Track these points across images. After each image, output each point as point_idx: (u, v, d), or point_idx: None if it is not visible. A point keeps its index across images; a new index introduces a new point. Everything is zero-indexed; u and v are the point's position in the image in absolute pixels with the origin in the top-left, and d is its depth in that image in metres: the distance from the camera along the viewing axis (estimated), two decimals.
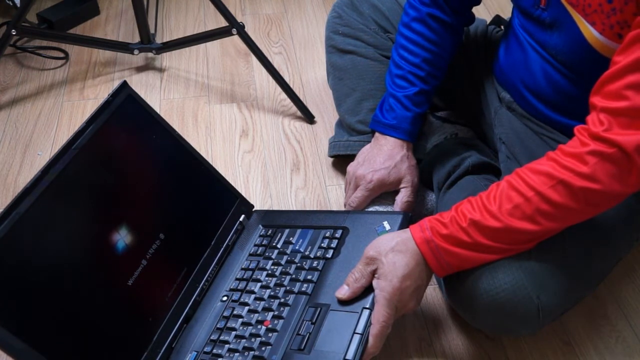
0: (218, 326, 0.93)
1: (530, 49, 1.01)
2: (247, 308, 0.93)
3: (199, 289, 0.97)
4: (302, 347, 0.86)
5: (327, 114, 1.48)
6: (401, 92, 1.12)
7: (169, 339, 0.91)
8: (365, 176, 1.10)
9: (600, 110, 0.80)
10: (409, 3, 1.13)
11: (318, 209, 1.26)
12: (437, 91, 1.18)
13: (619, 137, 0.77)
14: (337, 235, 1.00)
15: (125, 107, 0.94)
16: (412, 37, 1.12)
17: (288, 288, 0.94)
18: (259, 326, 0.90)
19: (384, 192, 1.12)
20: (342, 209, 1.20)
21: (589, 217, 0.85)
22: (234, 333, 0.91)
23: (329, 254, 0.97)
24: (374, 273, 0.89)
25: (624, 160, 0.78)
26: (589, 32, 0.88)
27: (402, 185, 1.11)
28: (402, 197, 1.11)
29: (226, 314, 0.94)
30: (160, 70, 1.63)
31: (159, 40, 1.68)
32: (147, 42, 1.56)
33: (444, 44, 1.13)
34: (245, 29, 1.44)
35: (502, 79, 1.12)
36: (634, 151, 0.77)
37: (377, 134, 1.14)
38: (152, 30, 1.61)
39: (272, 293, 0.94)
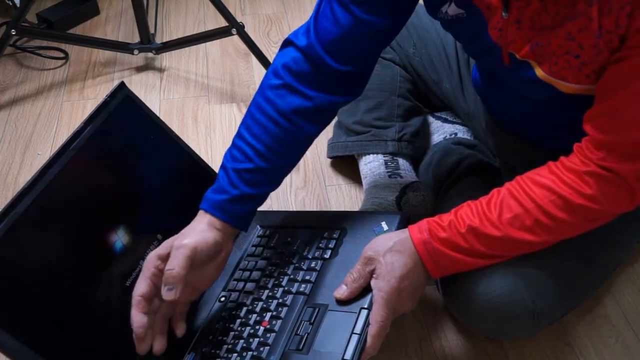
0: (216, 327, 0.92)
1: (507, 90, 0.97)
2: (245, 308, 0.93)
3: None
4: (301, 348, 0.86)
5: None
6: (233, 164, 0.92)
7: None
8: None
9: (594, 140, 0.79)
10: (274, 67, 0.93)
11: (318, 209, 1.26)
12: (436, 91, 1.18)
13: (616, 166, 0.78)
14: (335, 235, 0.99)
15: (123, 108, 0.94)
16: (261, 120, 0.92)
17: (286, 288, 0.94)
18: (257, 326, 0.90)
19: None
20: (342, 209, 1.20)
21: (585, 230, 0.85)
22: (232, 333, 0.91)
23: (327, 255, 0.97)
24: (372, 273, 0.88)
25: (624, 186, 0.79)
26: (563, 85, 0.84)
27: None
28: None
29: (224, 314, 0.94)
30: (160, 70, 1.63)
31: (158, 40, 1.68)
32: (147, 42, 1.56)
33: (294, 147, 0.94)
34: (245, 29, 1.44)
35: (482, 99, 1.10)
36: (633, 179, 0.78)
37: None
38: (152, 30, 1.61)
39: (270, 293, 0.94)
